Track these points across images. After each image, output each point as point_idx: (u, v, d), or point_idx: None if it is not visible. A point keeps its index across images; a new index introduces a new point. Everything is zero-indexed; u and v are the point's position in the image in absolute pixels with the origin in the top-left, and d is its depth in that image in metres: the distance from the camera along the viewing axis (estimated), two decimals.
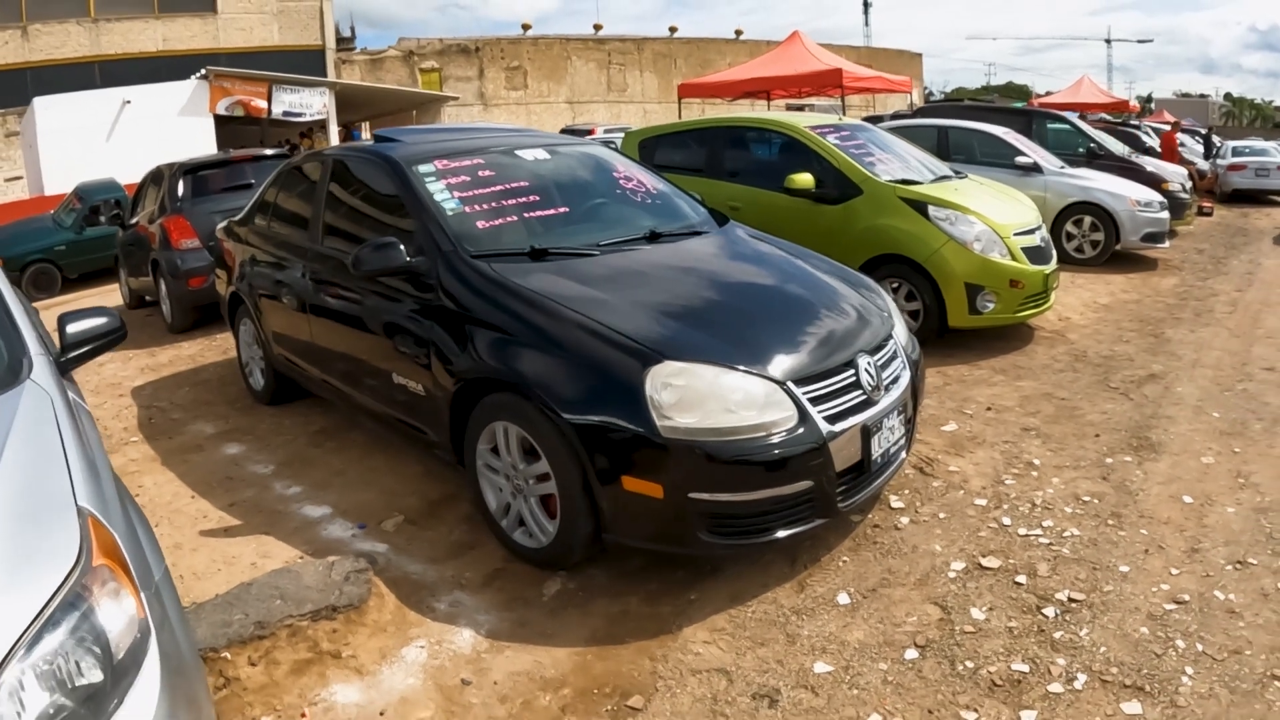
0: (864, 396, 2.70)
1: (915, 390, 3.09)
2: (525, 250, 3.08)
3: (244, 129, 16.95)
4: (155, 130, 14.27)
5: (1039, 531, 2.97)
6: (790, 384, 2.54)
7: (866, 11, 51.52)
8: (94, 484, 1.71)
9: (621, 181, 3.89)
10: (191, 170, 7.42)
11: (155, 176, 7.96)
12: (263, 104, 16.15)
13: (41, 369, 2.09)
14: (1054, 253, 5.66)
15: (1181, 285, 7.45)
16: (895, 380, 2.90)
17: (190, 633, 1.76)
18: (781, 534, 2.51)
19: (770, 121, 6.17)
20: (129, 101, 15.28)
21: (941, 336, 5.18)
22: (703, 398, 2.43)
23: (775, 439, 2.44)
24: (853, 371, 2.72)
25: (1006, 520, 3.06)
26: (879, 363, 2.86)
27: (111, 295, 9.53)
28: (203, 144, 14.27)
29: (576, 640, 2.47)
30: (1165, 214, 8.27)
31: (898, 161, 5.78)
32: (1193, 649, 2.30)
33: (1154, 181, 9.21)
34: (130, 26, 23.57)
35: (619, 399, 2.43)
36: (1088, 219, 8.10)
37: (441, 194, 3.28)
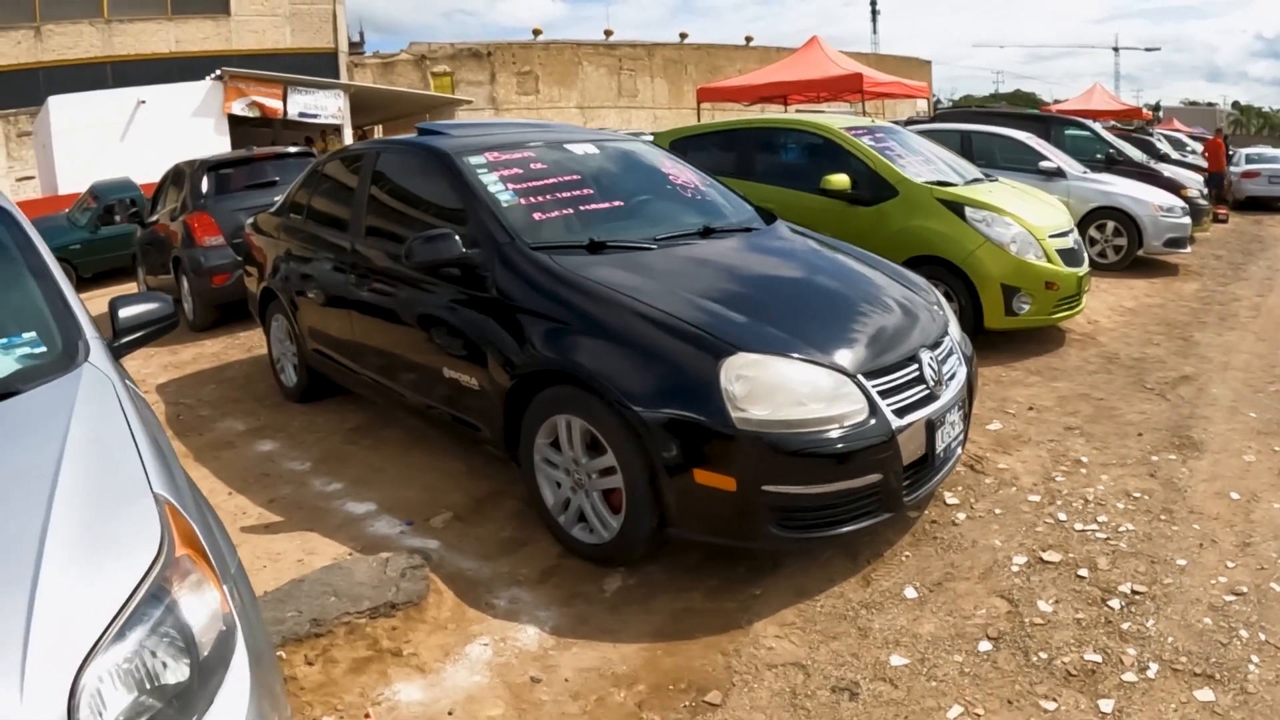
0: (928, 391, 2.69)
1: (971, 386, 3.09)
2: (584, 243, 3.05)
3: (256, 130, 16.95)
4: (169, 130, 14.26)
5: (1095, 527, 2.97)
6: (860, 377, 2.52)
7: (874, 19, 51.58)
8: (166, 471, 1.62)
9: (671, 177, 3.87)
10: (215, 167, 7.39)
11: (176, 175, 7.93)
12: (278, 105, 16.17)
13: (98, 352, 2.00)
14: (1086, 255, 5.65)
15: (1203, 290, 7.44)
16: (953, 376, 2.89)
17: (263, 624, 1.70)
18: (848, 528, 2.49)
19: (805, 123, 6.15)
20: (144, 101, 15.28)
21: (975, 337, 5.15)
22: (774, 389, 2.41)
23: (847, 431, 2.42)
24: (916, 366, 2.71)
25: (1062, 516, 3.05)
26: (939, 358, 2.85)
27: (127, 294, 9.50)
28: (216, 144, 14.30)
29: (642, 636, 2.43)
30: (1187, 219, 8.26)
31: (928, 164, 5.76)
32: (1256, 638, 2.31)
33: (1173, 187, 9.22)
34: (143, 28, 23.58)
35: (692, 391, 2.40)
36: (1110, 224, 8.10)
37: (495, 186, 3.25)
